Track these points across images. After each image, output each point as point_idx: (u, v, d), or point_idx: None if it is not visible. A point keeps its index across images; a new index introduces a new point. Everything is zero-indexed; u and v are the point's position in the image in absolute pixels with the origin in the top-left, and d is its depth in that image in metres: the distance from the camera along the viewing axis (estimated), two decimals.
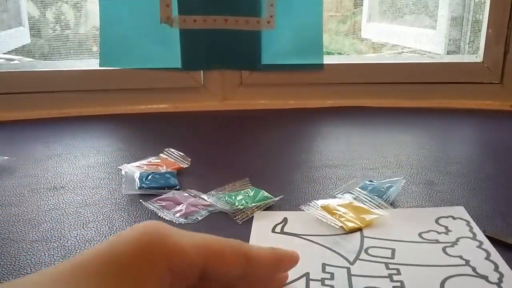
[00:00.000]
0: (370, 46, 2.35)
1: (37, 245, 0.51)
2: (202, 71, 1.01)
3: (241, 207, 0.57)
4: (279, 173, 0.70)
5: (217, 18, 0.95)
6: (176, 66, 0.98)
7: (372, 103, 1.03)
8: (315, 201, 0.57)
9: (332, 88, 1.04)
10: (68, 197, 0.62)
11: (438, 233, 0.51)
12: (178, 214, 0.56)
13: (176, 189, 0.62)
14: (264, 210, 0.57)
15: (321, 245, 0.50)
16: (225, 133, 0.88)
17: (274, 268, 0.39)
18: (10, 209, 0.58)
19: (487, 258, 0.47)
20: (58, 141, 0.83)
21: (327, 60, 1.02)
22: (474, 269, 0.45)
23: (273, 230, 0.53)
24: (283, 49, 0.99)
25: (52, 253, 0.49)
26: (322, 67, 1.01)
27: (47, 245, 0.50)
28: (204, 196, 0.60)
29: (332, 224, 0.53)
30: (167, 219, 0.55)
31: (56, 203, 0.60)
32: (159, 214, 0.56)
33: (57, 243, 0.51)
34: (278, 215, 0.56)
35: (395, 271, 0.45)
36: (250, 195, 0.59)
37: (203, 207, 0.58)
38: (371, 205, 0.56)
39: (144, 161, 0.71)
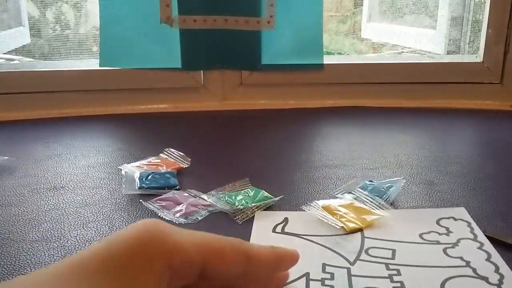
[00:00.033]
0: (370, 46, 2.35)
1: (37, 245, 0.51)
2: (202, 71, 1.01)
3: (241, 207, 0.57)
4: (279, 173, 0.70)
5: (217, 18, 0.95)
6: (176, 66, 0.98)
7: (372, 103, 1.03)
8: (316, 201, 0.57)
9: (332, 88, 1.04)
10: (68, 197, 0.62)
11: (439, 234, 0.51)
12: (178, 214, 0.56)
13: (176, 189, 0.62)
14: (264, 210, 0.57)
15: (321, 245, 0.49)
16: (225, 133, 0.88)
17: (274, 267, 0.39)
18: (10, 209, 0.58)
19: (488, 259, 0.47)
20: (58, 141, 0.83)
21: (327, 60, 1.02)
22: (474, 270, 0.45)
23: (273, 230, 0.53)
24: (283, 49, 0.99)
25: (52, 253, 0.49)
26: (322, 67, 1.01)
27: (47, 245, 0.50)
28: (204, 196, 0.60)
29: (333, 224, 0.53)
30: (167, 219, 0.55)
31: (56, 203, 0.60)
32: (159, 214, 0.56)
33: (57, 243, 0.51)
34: (278, 215, 0.56)
35: (395, 272, 0.45)
36: (250, 195, 0.59)
37: (203, 207, 0.58)
38: (372, 206, 0.56)
39: (144, 161, 0.71)
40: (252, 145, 0.82)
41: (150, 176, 0.64)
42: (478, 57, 1.04)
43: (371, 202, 0.57)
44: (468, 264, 0.46)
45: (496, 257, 0.47)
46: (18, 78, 0.99)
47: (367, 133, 0.88)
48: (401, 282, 0.43)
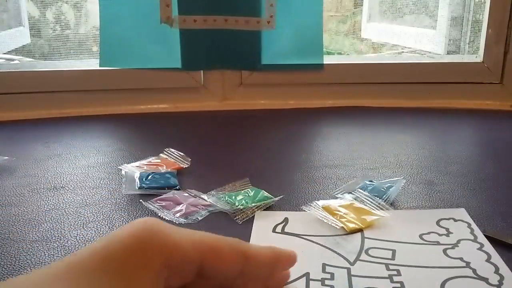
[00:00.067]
0: (370, 46, 2.35)
1: (37, 245, 0.51)
2: (202, 71, 1.01)
3: (241, 207, 0.57)
4: (279, 173, 0.70)
5: (217, 18, 0.95)
6: (176, 66, 0.98)
7: (372, 103, 1.03)
8: (316, 201, 0.57)
9: (332, 88, 1.04)
10: (68, 197, 0.62)
11: (439, 235, 0.51)
12: (178, 214, 0.56)
13: (176, 189, 0.62)
14: (264, 210, 0.57)
15: (321, 245, 0.49)
16: (225, 133, 0.88)
17: (272, 267, 0.39)
18: (10, 209, 0.58)
19: (488, 260, 0.47)
20: (58, 141, 0.83)
21: (327, 60, 1.02)
22: (474, 271, 0.45)
23: (274, 230, 0.53)
24: (283, 49, 0.99)
25: (52, 253, 0.49)
26: (322, 67, 1.01)
27: (47, 245, 0.50)
28: (204, 196, 0.60)
29: (333, 224, 0.53)
30: (167, 219, 0.55)
31: (56, 203, 0.60)
32: (159, 214, 0.56)
33: (57, 243, 0.51)
34: (279, 215, 0.56)
35: (395, 272, 0.45)
36: (250, 195, 0.59)
37: (203, 207, 0.58)
38: (372, 206, 0.56)
39: (144, 161, 0.71)
40: (252, 145, 0.82)
41: (150, 176, 0.64)
42: (478, 57, 1.04)
43: (371, 202, 0.57)
44: (468, 265, 0.46)
45: (496, 258, 0.47)
46: (18, 78, 0.99)
47: (367, 133, 0.88)
48: (401, 283, 0.43)
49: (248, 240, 0.51)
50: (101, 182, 0.66)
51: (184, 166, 0.70)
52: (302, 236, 0.51)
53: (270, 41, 0.98)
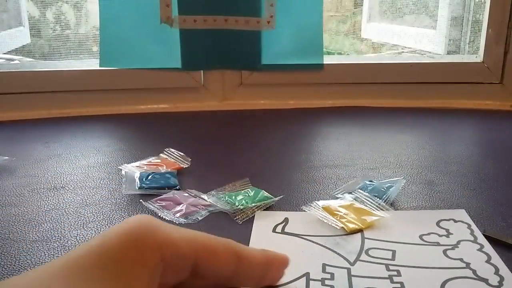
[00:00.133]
0: (370, 46, 2.35)
1: (37, 245, 0.51)
2: (202, 71, 1.01)
3: (241, 207, 0.57)
4: (279, 173, 0.70)
5: (217, 18, 0.95)
6: (176, 66, 0.98)
7: (372, 103, 1.03)
8: (316, 201, 0.57)
9: (332, 88, 1.04)
10: (68, 197, 0.62)
11: (439, 235, 0.51)
12: (178, 214, 0.56)
13: (176, 189, 0.62)
14: (264, 210, 0.57)
15: (321, 245, 0.49)
16: (225, 133, 0.88)
17: (265, 268, 0.39)
18: (10, 209, 0.58)
19: (488, 261, 0.47)
20: (58, 141, 0.83)
21: (327, 60, 1.02)
22: (474, 271, 0.45)
23: (274, 230, 0.53)
24: (283, 49, 0.99)
25: (52, 253, 0.49)
26: (322, 67, 1.01)
27: (47, 245, 0.50)
28: (204, 196, 0.60)
29: (333, 225, 0.53)
30: (167, 219, 0.55)
31: (56, 203, 0.60)
32: (159, 214, 0.56)
33: (57, 243, 0.51)
34: (279, 215, 0.56)
35: (395, 273, 0.45)
36: (250, 195, 0.59)
37: (203, 207, 0.58)
38: (372, 207, 0.56)
39: (144, 161, 0.71)
40: (252, 145, 0.82)
41: (150, 176, 0.64)
42: (478, 57, 1.04)
43: (371, 203, 0.57)
44: (468, 265, 0.46)
45: (496, 259, 0.47)
46: (18, 78, 0.99)
47: (367, 133, 0.88)
48: (401, 283, 0.43)
49: (248, 240, 0.51)
50: (101, 182, 0.66)
51: (184, 166, 0.70)
52: (302, 236, 0.51)
53: (270, 41, 0.98)
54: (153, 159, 0.71)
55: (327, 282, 0.43)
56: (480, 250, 0.49)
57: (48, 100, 0.99)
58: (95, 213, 0.58)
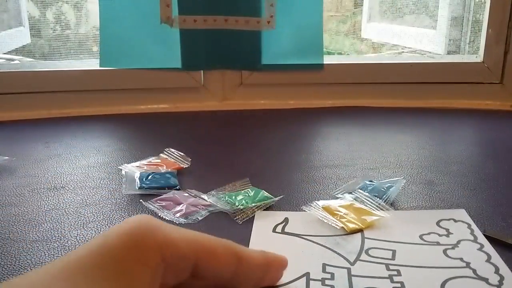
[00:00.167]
0: (370, 46, 2.35)
1: (37, 245, 0.51)
2: (202, 71, 1.01)
3: (241, 207, 0.57)
4: (279, 173, 0.70)
5: (217, 18, 0.95)
6: (176, 66, 0.98)
7: (372, 103, 1.03)
8: (316, 201, 0.57)
9: (332, 88, 1.04)
10: (68, 197, 0.62)
11: (439, 235, 0.51)
12: (178, 214, 0.56)
13: (176, 189, 0.62)
14: (264, 210, 0.57)
15: (321, 245, 0.49)
16: (225, 133, 0.88)
17: (264, 269, 0.39)
18: (10, 209, 0.58)
19: (488, 260, 0.47)
20: (58, 141, 0.83)
21: (327, 60, 1.02)
22: (474, 271, 0.45)
23: (274, 230, 0.53)
24: (283, 49, 0.99)
25: (52, 253, 0.49)
26: (322, 67, 1.01)
27: (47, 245, 0.50)
28: (204, 196, 0.60)
29: (333, 224, 0.53)
30: (167, 219, 0.55)
31: (56, 203, 0.60)
32: (159, 214, 0.56)
33: (57, 243, 0.51)
34: (279, 215, 0.56)
35: (395, 272, 0.45)
36: (250, 195, 0.59)
37: (203, 207, 0.58)
38: (372, 207, 0.56)
39: (144, 161, 0.71)
40: (252, 145, 0.82)
41: (150, 176, 0.64)
42: (478, 57, 1.04)
43: (371, 203, 0.57)
44: (468, 265, 0.46)
45: (496, 258, 0.47)
46: (18, 78, 0.99)
47: (367, 133, 0.88)
48: (401, 283, 0.43)
49: (248, 240, 0.51)
50: (101, 182, 0.66)
51: (184, 166, 0.70)
52: (302, 236, 0.51)
53: (270, 41, 0.98)
54: (153, 159, 0.71)
55: (327, 282, 0.43)
56: (480, 249, 0.49)
57: (48, 100, 0.99)
58: (95, 213, 0.58)
